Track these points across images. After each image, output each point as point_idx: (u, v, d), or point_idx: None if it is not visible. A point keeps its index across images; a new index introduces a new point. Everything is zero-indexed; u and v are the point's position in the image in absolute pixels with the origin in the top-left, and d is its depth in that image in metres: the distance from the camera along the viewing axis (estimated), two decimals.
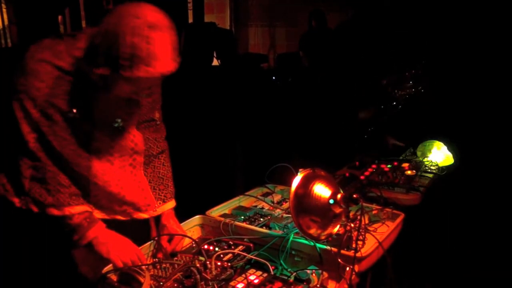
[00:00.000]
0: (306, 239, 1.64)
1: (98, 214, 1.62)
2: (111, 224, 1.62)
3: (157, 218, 1.81)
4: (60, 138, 1.49)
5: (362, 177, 2.43)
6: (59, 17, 4.91)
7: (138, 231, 1.74)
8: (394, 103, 3.28)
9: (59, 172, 1.51)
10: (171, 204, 1.82)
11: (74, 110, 1.49)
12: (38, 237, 1.61)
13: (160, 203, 1.79)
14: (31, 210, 1.52)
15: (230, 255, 1.65)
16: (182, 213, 1.89)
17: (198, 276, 1.44)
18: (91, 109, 1.52)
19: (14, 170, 1.51)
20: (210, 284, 1.44)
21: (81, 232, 1.53)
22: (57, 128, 1.48)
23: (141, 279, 1.42)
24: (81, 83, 1.47)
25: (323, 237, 1.59)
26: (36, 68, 1.44)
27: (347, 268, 1.50)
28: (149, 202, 1.75)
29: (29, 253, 1.65)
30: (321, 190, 1.56)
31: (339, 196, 1.54)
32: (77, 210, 1.53)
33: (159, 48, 1.34)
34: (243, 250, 1.68)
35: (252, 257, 1.62)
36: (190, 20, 6.22)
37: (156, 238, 1.72)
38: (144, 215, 1.74)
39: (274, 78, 5.52)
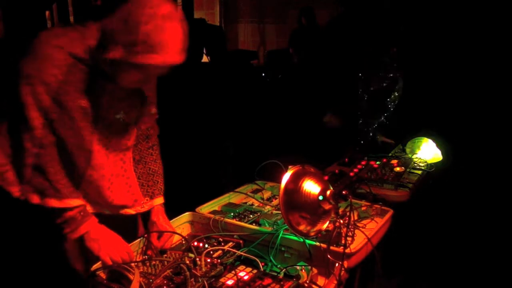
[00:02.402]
0: (296, 236, 1.65)
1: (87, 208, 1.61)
2: (102, 219, 1.61)
3: (146, 215, 1.80)
4: (66, 127, 1.48)
5: (351, 174, 2.45)
6: (47, 13, 4.86)
7: (128, 227, 1.73)
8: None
9: (60, 162, 1.50)
10: (159, 200, 1.81)
11: (84, 100, 1.48)
12: (30, 231, 1.60)
13: (147, 199, 1.78)
14: (28, 201, 1.50)
15: (220, 251, 1.65)
16: (172, 210, 1.88)
17: (187, 273, 1.44)
18: (97, 100, 1.52)
19: (16, 158, 1.48)
20: (200, 280, 1.43)
21: (73, 226, 1.51)
22: (66, 117, 1.47)
23: (131, 277, 1.41)
24: (92, 72, 1.48)
25: (312, 234, 1.60)
26: (52, 54, 1.42)
27: (337, 264, 1.51)
28: (136, 198, 1.74)
29: (21, 247, 1.64)
30: (311, 187, 1.56)
31: (328, 192, 1.55)
32: (75, 202, 1.51)
33: (170, 38, 1.37)
34: (233, 247, 1.68)
35: (241, 253, 1.63)
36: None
37: (145, 235, 1.71)
38: (131, 211, 1.73)
39: (263, 74, 5.53)
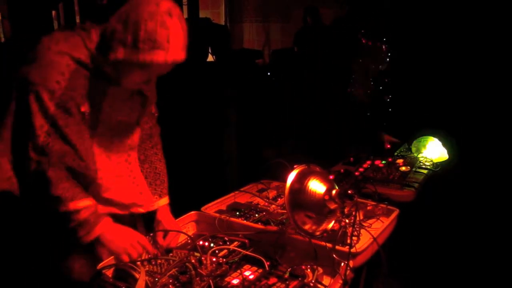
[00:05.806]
0: (301, 235, 1.65)
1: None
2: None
3: (150, 216, 1.80)
4: (74, 132, 1.48)
5: (357, 173, 2.44)
6: (53, 12, 4.88)
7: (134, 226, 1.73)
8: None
9: (62, 167, 1.49)
10: (167, 199, 1.82)
11: (85, 105, 1.48)
12: (37, 234, 1.61)
13: (156, 198, 1.79)
14: (36, 205, 1.50)
15: (225, 251, 1.65)
16: (178, 209, 1.89)
17: (193, 272, 1.44)
18: (99, 104, 1.53)
19: (21, 164, 1.49)
20: (205, 280, 1.44)
21: (87, 228, 1.50)
22: (72, 122, 1.47)
23: (137, 275, 1.41)
24: (95, 77, 1.48)
25: (318, 233, 1.60)
26: (56, 60, 1.42)
27: (342, 264, 1.51)
28: (145, 197, 1.75)
29: (29, 249, 1.64)
30: (316, 186, 1.56)
31: (334, 192, 1.54)
32: (82, 204, 1.50)
33: (173, 34, 1.38)
34: (238, 246, 1.68)
35: (247, 253, 1.63)
36: (185, 16, 6.19)
37: (151, 234, 1.72)
38: (141, 210, 1.74)
39: (269, 74, 5.52)
